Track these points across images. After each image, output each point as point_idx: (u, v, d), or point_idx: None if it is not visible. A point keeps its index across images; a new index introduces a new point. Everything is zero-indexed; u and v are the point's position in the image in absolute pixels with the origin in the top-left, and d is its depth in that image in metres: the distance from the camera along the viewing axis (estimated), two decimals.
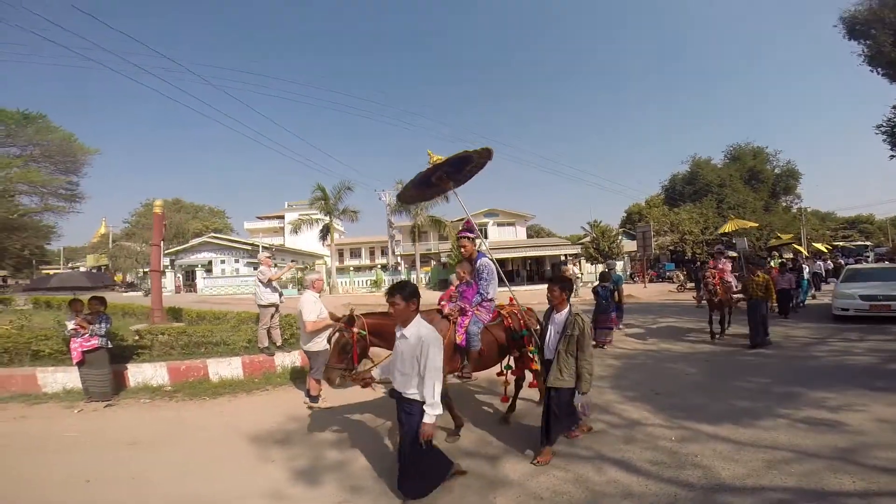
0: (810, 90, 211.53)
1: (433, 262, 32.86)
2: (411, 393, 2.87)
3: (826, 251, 31.08)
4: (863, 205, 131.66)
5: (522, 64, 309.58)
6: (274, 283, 6.63)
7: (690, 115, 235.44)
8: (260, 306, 6.68)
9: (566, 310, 3.68)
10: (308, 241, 39.37)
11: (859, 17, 14.54)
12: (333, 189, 29.34)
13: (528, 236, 42.47)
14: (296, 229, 30.85)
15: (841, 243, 42.57)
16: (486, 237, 37.22)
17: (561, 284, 3.74)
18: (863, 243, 47.50)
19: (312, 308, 5.21)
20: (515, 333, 4.40)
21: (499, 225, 38.31)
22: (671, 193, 38.88)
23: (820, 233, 44.62)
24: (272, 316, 6.73)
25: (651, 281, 29.58)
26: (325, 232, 29.92)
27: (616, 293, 9.59)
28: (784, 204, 38.34)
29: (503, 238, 37.24)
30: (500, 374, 4.73)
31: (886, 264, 12.83)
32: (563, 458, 3.62)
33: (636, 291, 21.92)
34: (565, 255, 31.59)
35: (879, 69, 15.15)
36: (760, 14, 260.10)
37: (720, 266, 9.17)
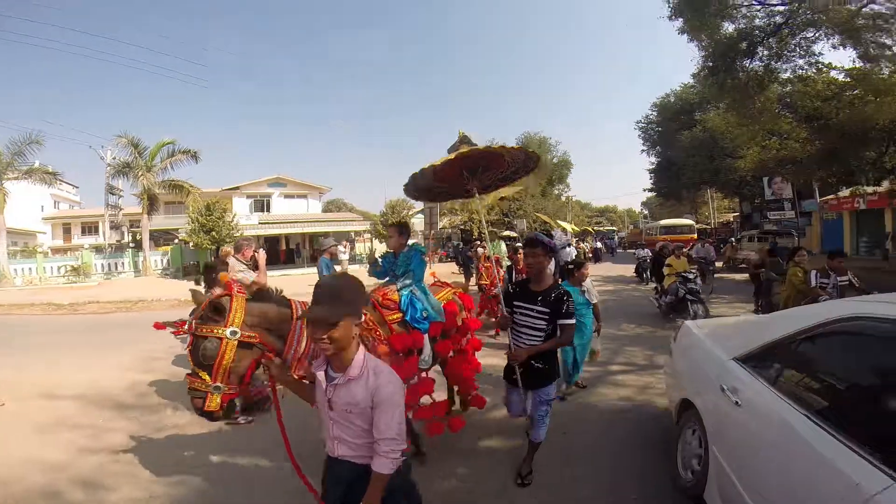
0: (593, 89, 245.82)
1: (175, 241, 25.88)
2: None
3: (573, 231, 28.71)
4: (609, 196, 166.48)
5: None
6: None
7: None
8: None
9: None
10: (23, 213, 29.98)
11: None
12: (11, 143, 19.73)
13: (326, 211, 38.47)
14: None
15: (595, 228, 51.11)
16: (267, 210, 31.84)
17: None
18: (611, 228, 58.70)
19: None
20: None
21: (287, 197, 33.11)
22: None
23: (580, 219, 52.82)
24: None
25: (441, 261, 29.18)
26: None
27: None
28: (556, 192, 43.49)
29: (292, 211, 32.37)
30: None
31: None
32: None
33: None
34: (358, 232, 28.93)
35: (682, 18, 14.01)
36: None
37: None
